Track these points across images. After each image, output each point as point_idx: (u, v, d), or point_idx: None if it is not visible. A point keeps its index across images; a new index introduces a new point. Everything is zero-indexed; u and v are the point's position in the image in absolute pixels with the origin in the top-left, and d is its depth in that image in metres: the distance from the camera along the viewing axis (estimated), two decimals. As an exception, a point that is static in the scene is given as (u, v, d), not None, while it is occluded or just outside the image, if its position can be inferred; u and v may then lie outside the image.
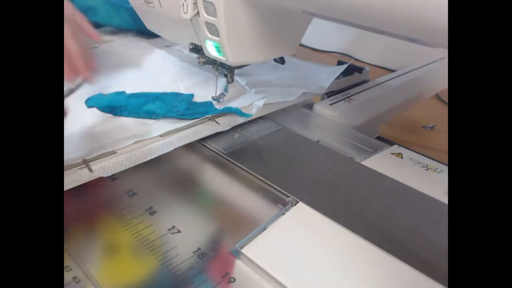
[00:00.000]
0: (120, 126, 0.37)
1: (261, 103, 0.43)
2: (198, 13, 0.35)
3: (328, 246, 0.27)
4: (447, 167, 0.37)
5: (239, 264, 0.25)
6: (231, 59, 0.37)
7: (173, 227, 0.28)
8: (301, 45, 0.89)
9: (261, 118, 0.44)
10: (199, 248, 0.26)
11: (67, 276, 0.23)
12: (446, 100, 0.73)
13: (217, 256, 0.26)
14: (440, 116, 0.67)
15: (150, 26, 0.48)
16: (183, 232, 0.27)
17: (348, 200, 0.32)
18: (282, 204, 0.31)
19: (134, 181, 0.32)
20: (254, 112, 0.42)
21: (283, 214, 0.29)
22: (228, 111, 0.41)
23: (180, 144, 0.35)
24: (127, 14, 0.61)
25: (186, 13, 0.35)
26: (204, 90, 0.45)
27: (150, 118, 0.39)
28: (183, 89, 0.46)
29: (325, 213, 0.29)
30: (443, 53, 0.72)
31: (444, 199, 0.32)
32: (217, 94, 0.43)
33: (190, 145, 0.36)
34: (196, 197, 0.32)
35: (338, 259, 0.26)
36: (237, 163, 0.35)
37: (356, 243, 0.27)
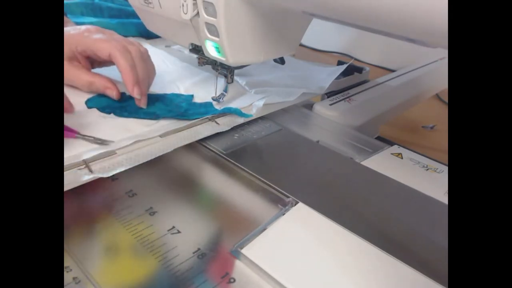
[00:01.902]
0: (120, 126, 0.37)
1: (261, 103, 0.43)
2: (198, 13, 0.35)
3: (328, 247, 0.27)
4: (447, 167, 0.37)
5: (239, 264, 0.25)
6: (231, 60, 0.37)
7: (173, 227, 0.28)
8: (301, 45, 0.90)
9: (261, 118, 0.44)
10: (199, 249, 0.26)
11: (67, 277, 0.23)
12: (446, 100, 0.73)
13: (217, 257, 0.26)
14: (440, 116, 0.67)
15: (150, 26, 0.48)
16: (183, 233, 0.27)
17: (348, 200, 0.32)
18: (282, 205, 0.31)
19: (134, 182, 0.32)
20: (254, 112, 0.42)
21: (283, 215, 0.29)
22: (228, 112, 0.41)
23: (180, 145, 0.35)
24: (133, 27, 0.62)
25: (186, 13, 0.35)
26: (204, 91, 0.45)
27: (150, 118, 0.39)
28: (183, 90, 0.46)
29: (325, 214, 0.29)
30: (443, 53, 0.72)
31: (444, 199, 0.32)
32: (217, 95, 0.43)
33: (190, 146, 0.36)
34: (196, 197, 0.32)
35: (338, 259, 0.26)
36: (237, 164, 0.35)
37: (356, 243, 0.27)
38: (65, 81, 0.41)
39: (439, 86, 0.68)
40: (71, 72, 0.41)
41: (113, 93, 0.40)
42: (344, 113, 0.47)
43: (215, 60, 0.41)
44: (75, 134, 0.34)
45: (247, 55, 0.38)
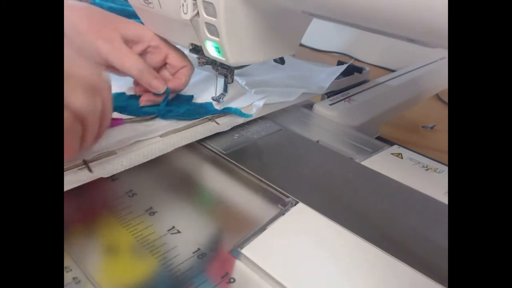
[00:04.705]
0: (120, 126, 0.37)
1: (261, 103, 0.43)
2: (198, 13, 0.35)
3: (328, 246, 0.27)
4: (447, 167, 0.37)
5: (239, 264, 0.25)
6: (231, 60, 0.37)
7: (173, 227, 0.28)
8: (301, 45, 0.89)
9: (261, 118, 0.44)
10: (199, 249, 0.26)
11: (67, 277, 0.23)
12: (446, 100, 0.73)
13: (217, 257, 0.26)
14: (440, 116, 0.67)
15: (150, 26, 0.47)
16: (183, 233, 0.27)
17: (348, 200, 0.32)
18: (282, 204, 0.31)
19: (134, 182, 0.32)
20: (254, 112, 0.42)
21: (283, 214, 0.29)
22: (228, 112, 0.41)
23: (180, 145, 0.35)
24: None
25: (186, 13, 0.35)
26: (204, 91, 0.45)
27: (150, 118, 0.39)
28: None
29: (325, 213, 0.29)
30: (443, 53, 0.72)
31: (444, 199, 0.32)
32: (217, 95, 0.43)
33: (190, 145, 0.36)
34: (196, 197, 0.32)
35: (338, 259, 0.26)
36: (237, 163, 0.35)
37: (356, 243, 0.27)
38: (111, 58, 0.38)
39: (439, 86, 0.68)
40: (125, 51, 0.39)
41: (159, 88, 0.40)
42: (344, 113, 0.47)
43: (215, 60, 0.40)
44: (123, 121, 0.37)
45: (247, 55, 0.38)
